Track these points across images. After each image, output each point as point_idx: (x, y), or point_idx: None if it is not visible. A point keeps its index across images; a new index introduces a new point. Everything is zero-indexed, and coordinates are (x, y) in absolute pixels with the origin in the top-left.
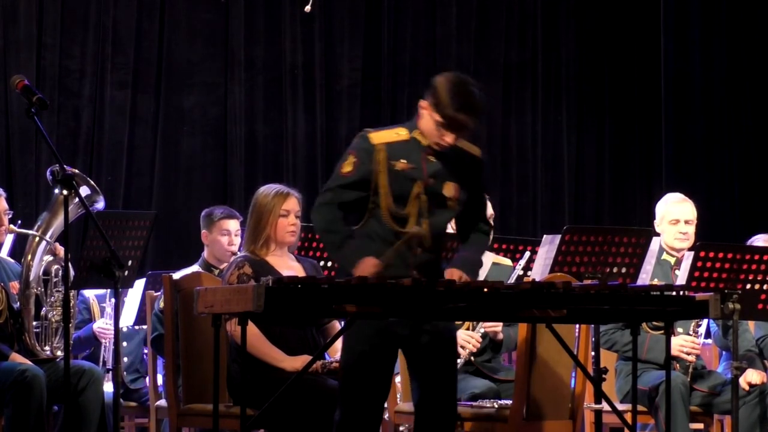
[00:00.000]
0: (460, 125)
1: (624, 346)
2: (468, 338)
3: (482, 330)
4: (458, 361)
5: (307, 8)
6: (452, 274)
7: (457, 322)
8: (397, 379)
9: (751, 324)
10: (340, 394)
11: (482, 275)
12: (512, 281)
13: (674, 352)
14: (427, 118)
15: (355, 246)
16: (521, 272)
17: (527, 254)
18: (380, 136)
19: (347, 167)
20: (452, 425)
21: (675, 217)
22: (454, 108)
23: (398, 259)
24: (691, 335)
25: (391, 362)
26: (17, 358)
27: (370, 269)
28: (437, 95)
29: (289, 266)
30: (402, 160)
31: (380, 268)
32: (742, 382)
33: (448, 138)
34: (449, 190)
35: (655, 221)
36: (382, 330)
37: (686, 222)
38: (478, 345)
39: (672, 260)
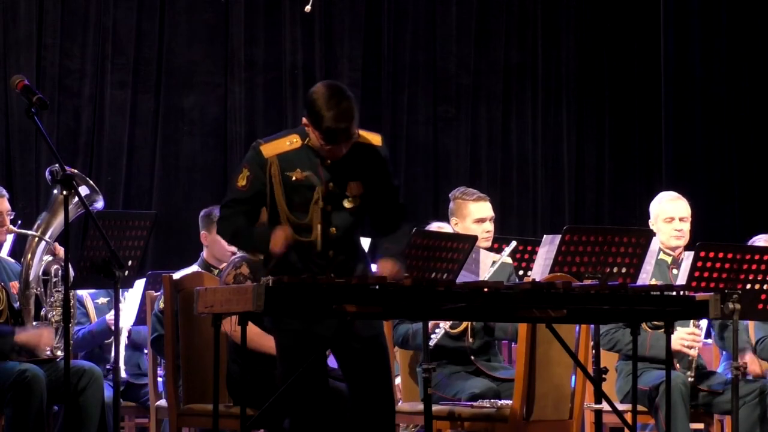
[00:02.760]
0: (340, 136)
1: (626, 345)
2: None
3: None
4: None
5: (307, 8)
6: (385, 266)
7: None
8: (397, 380)
9: (751, 325)
10: (285, 403)
11: (486, 275)
12: (496, 265)
13: (675, 347)
14: (312, 134)
15: (263, 229)
16: (508, 259)
17: (513, 243)
18: (272, 148)
19: (241, 181)
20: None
21: (670, 215)
22: (331, 120)
23: (308, 267)
24: (691, 327)
25: (320, 364)
26: (21, 336)
27: (283, 238)
28: (313, 111)
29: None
30: (297, 170)
31: (290, 232)
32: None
33: (335, 152)
34: (352, 189)
35: (649, 221)
36: (303, 333)
37: (681, 219)
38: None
39: (669, 259)
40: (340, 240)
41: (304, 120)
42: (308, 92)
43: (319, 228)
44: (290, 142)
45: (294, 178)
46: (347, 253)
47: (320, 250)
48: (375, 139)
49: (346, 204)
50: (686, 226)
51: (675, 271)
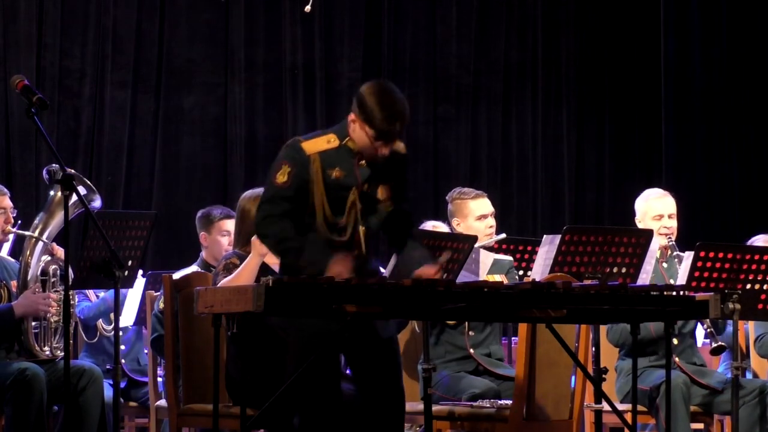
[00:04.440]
0: (393, 135)
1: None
2: None
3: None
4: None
5: (307, 8)
6: (427, 272)
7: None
8: None
9: (750, 322)
10: (294, 402)
11: (483, 273)
12: (486, 245)
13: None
14: (359, 132)
15: (318, 247)
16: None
17: (503, 235)
18: (313, 145)
19: (281, 177)
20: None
21: (658, 212)
22: (386, 120)
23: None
24: None
25: (334, 365)
26: (20, 308)
27: (344, 272)
28: (366, 109)
29: (274, 262)
30: (336, 169)
31: (350, 264)
32: None
33: (385, 150)
34: (382, 192)
35: (636, 218)
36: (319, 331)
37: (669, 216)
38: None
39: (658, 253)
40: (367, 241)
41: (352, 116)
42: (364, 87)
43: (360, 230)
44: (329, 141)
45: (333, 177)
46: (369, 253)
47: (357, 252)
48: (401, 147)
49: (381, 206)
50: (674, 224)
51: (665, 264)
